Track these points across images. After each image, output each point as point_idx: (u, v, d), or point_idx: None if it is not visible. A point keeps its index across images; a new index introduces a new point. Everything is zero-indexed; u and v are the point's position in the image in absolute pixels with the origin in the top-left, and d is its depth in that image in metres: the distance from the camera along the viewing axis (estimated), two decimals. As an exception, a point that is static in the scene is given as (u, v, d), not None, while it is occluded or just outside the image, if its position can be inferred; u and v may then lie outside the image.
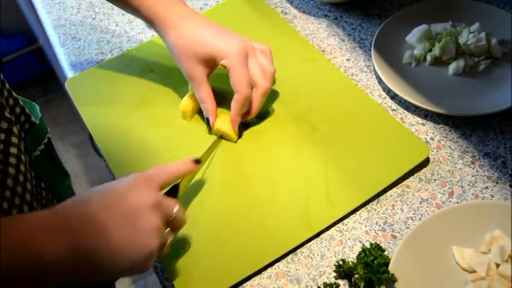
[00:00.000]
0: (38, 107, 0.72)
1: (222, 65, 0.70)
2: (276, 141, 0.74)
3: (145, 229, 0.50)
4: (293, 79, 0.81)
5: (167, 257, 0.64)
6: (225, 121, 0.73)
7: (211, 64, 0.71)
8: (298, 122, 0.76)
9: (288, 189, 0.69)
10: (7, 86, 0.63)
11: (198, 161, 0.62)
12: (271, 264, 0.64)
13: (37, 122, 0.69)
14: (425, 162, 0.71)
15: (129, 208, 0.50)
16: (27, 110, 0.67)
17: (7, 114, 0.58)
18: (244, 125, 0.76)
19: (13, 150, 0.58)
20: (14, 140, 0.58)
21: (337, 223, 0.66)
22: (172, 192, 0.60)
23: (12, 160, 0.57)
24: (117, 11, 0.98)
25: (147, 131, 0.77)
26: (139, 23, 0.95)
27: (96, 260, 0.48)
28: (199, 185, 0.70)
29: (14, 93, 0.64)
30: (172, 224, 0.55)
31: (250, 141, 0.74)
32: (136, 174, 0.54)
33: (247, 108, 0.72)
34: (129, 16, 0.96)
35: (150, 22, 0.73)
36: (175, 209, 0.55)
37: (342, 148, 0.72)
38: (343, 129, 0.74)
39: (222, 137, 0.74)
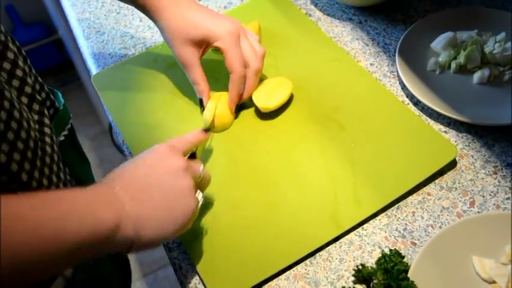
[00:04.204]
0: (60, 94, 0.73)
1: (216, 47, 0.72)
2: (302, 139, 0.74)
3: (184, 190, 0.54)
4: (319, 78, 0.81)
5: (192, 253, 0.64)
6: (220, 103, 0.75)
7: (203, 46, 0.73)
8: (324, 120, 0.76)
9: (315, 187, 0.69)
10: (33, 71, 0.64)
11: (207, 130, 0.67)
12: (289, 267, 0.64)
13: (60, 107, 0.70)
14: (446, 170, 0.71)
15: (165, 173, 0.54)
16: (51, 96, 0.68)
17: (38, 97, 0.59)
18: (240, 107, 0.78)
19: (47, 130, 0.59)
20: (47, 121, 0.60)
21: (366, 222, 0.66)
22: (191, 159, 0.63)
23: (48, 140, 0.58)
24: (141, 6, 0.98)
25: (176, 126, 0.77)
26: (163, 19, 0.95)
27: (144, 226, 0.50)
28: (225, 182, 0.70)
29: (39, 78, 0.65)
30: (199, 184, 0.59)
31: (276, 140, 0.74)
32: (160, 145, 0.57)
33: (242, 90, 0.75)
34: (153, 12, 0.97)
35: (143, 8, 0.74)
36: (201, 168, 0.59)
37: (370, 147, 0.72)
38: (370, 128, 0.74)
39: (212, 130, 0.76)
